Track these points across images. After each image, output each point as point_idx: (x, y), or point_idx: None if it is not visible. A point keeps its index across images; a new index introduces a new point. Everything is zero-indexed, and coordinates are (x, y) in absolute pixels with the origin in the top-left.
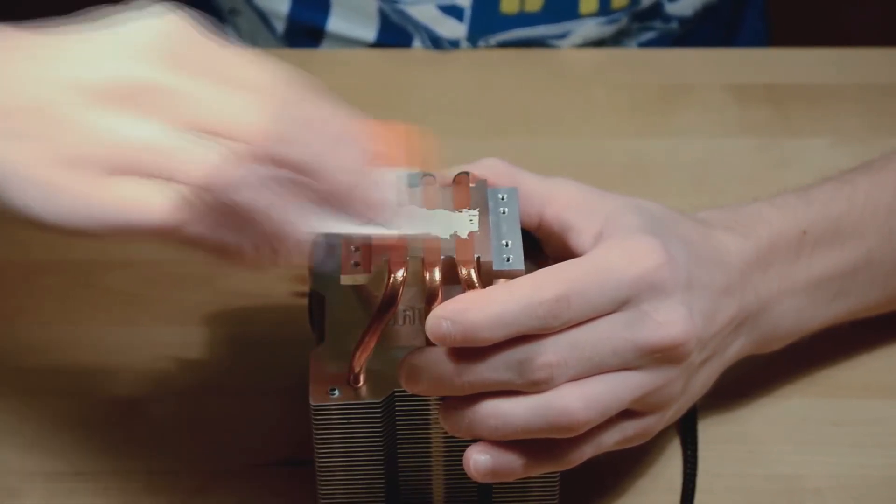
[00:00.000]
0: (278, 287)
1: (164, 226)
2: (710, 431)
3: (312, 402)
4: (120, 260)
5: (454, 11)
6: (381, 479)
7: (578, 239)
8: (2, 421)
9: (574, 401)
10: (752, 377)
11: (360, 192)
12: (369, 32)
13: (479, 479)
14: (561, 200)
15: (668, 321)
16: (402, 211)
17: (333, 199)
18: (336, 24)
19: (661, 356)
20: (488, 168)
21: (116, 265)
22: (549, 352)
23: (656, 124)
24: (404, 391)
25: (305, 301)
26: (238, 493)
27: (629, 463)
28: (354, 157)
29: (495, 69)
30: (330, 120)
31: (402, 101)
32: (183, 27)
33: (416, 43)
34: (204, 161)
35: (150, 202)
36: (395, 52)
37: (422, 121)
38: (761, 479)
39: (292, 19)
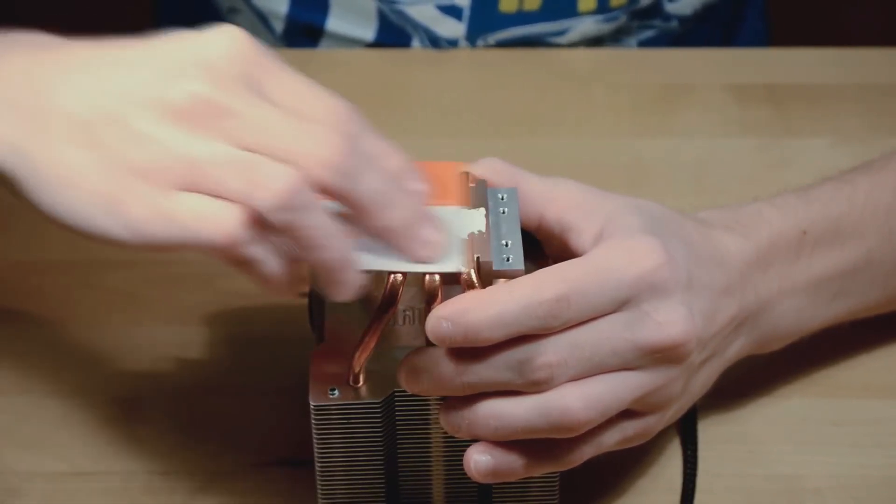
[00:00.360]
0: None
1: (228, 243)
2: (710, 431)
3: (312, 402)
4: (120, 260)
5: (453, 11)
6: (381, 479)
7: (579, 239)
8: (2, 421)
9: (574, 401)
10: (752, 377)
11: (415, 230)
12: (368, 32)
13: (480, 480)
14: (561, 201)
15: (668, 321)
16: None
17: (389, 236)
18: (335, 24)
19: (662, 356)
20: (488, 167)
21: (116, 265)
22: (549, 352)
23: (656, 124)
24: (404, 391)
25: (305, 301)
26: (238, 493)
27: (629, 463)
28: (412, 196)
29: (495, 69)
30: (389, 156)
31: (402, 100)
32: (252, 49)
33: (415, 43)
34: (275, 183)
35: (216, 219)
36: (394, 52)
37: (421, 121)
38: (761, 479)
39: (291, 19)
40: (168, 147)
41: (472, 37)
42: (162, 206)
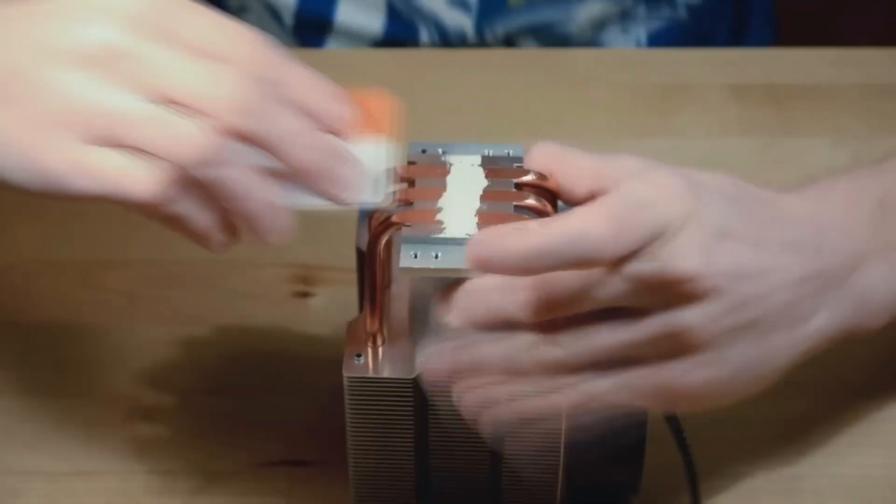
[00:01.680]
0: (278, 287)
1: (147, 202)
2: (710, 431)
3: (344, 372)
4: (119, 260)
5: (461, 4)
6: (410, 458)
7: None
8: (2, 421)
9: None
10: None
11: (328, 170)
12: (376, 23)
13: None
14: (620, 171)
15: (679, 256)
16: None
17: (303, 176)
18: (344, 14)
19: (674, 293)
20: (542, 150)
21: (116, 265)
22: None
23: (656, 124)
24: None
25: (305, 301)
26: (238, 493)
27: None
28: (326, 134)
29: (496, 69)
30: (307, 88)
31: (406, 100)
32: None
33: (423, 34)
34: (192, 139)
35: (133, 177)
36: (399, 53)
37: (424, 121)
38: (761, 479)
39: (300, 11)
40: (80, 96)
41: (480, 28)
42: (81, 159)
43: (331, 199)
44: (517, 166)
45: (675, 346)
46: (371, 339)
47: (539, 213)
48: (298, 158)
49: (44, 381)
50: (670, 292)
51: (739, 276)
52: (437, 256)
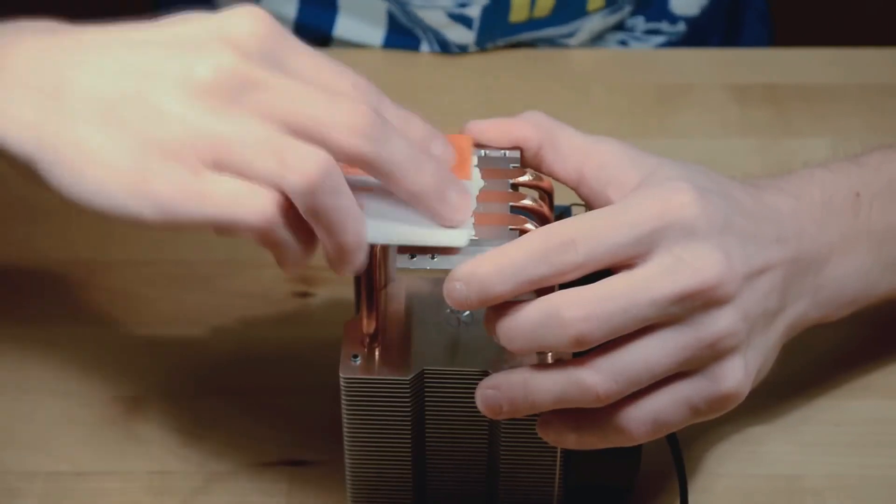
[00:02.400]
0: (278, 287)
1: (264, 226)
2: (710, 431)
3: (341, 373)
4: (120, 260)
5: (463, 20)
6: (407, 460)
7: (617, 194)
8: (2, 421)
9: (593, 373)
10: None
11: (444, 193)
12: (377, 36)
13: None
14: (602, 155)
15: (702, 264)
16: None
17: (419, 200)
18: (344, 26)
19: (701, 302)
20: (530, 120)
21: (116, 265)
22: (576, 306)
23: (656, 124)
24: (433, 370)
25: (305, 301)
26: (238, 493)
27: None
28: (438, 160)
29: (496, 70)
30: (412, 124)
31: (408, 102)
32: (273, 26)
33: (424, 47)
34: (306, 165)
35: (249, 202)
36: (401, 55)
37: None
38: (761, 479)
39: (300, 23)
40: (194, 124)
41: (482, 42)
42: (192, 185)
43: (448, 223)
44: (513, 167)
45: (715, 353)
46: (368, 339)
47: (535, 214)
48: (418, 181)
49: (44, 381)
50: (699, 301)
51: (752, 274)
52: (433, 258)
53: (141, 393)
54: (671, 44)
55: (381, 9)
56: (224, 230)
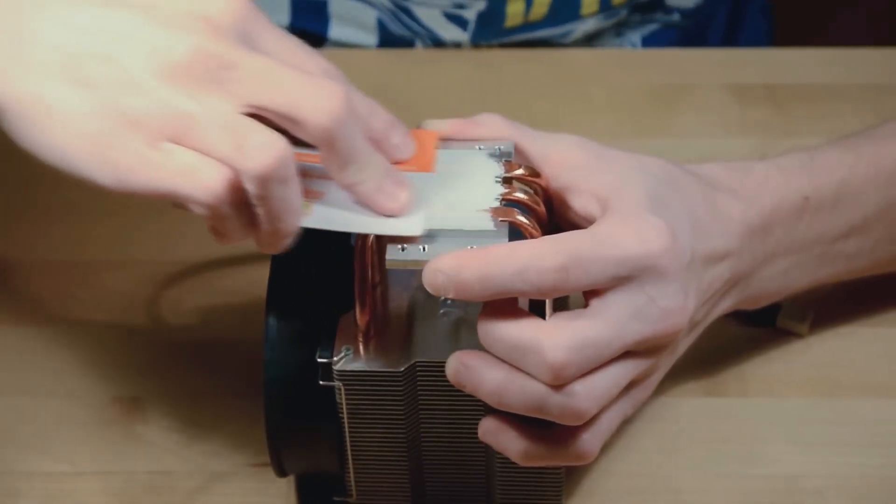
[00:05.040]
0: None
1: (210, 202)
2: (710, 431)
3: (335, 366)
4: (120, 260)
5: (458, 20)
6: (403, 453)
7: (579, 200)
8: (2, 421)
9: (581, 401)
10: (752, 377)
11: (385, 186)
12: (370, 43)
13: (482, 438)
14: (560, 159)
15: (670, 308)
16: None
17: (358, 190)
18: (336, 33)
19: (660, 342)
20: (487, 123)
21: (116, 265)
22: (557, 348)
23: (656, 124)
24: (426, 362)
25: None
26: (238, 493)
27: (629, 463)
28: (388, 156)
29: (496, 69)
30: (376, 115)
31: (403, 101)
32: (247, 5)
33: (419, 46)
34: (263, 152)
35: (200, 178)
36: (396, 53)
37: (422, 121)
38: (761, 479)
39: (293, 29)
40: (162, 97)
41: (476, 42)
42: (149, 156)
43: (383, 212)
44: (506, 161)
45: (655, 371)
46: (362, 333)
47: (528, 208)
48: (365, 174)
49: (44, 381)
50: (664, 341)
51: (702, 301)
52: (424, 249)
53: (141, 393)
54: (667, 32)
55: (371, 16)
56: (172, 200)
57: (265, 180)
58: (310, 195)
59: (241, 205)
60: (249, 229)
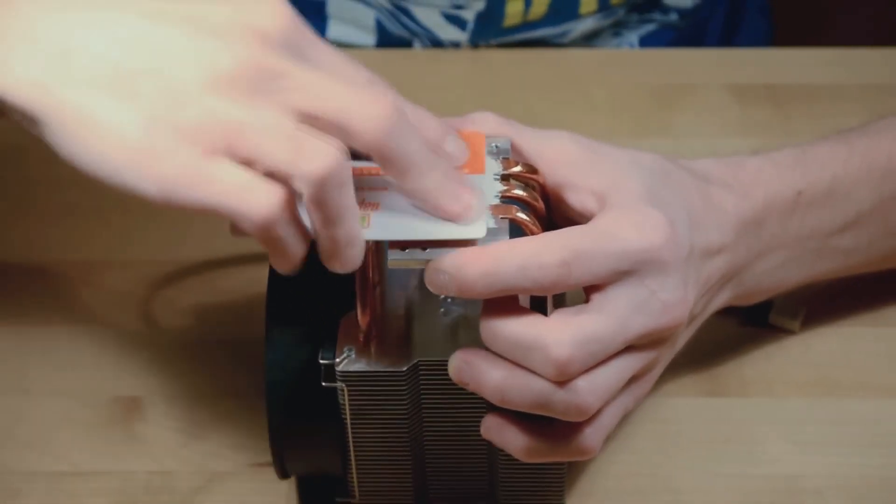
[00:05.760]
0: None
1: (264, 222)
2: (710, 431)
3: (336, 367)
4: (120, 260)
5: (457, 21)
6: (407, 453)
7: (576, 196)
8: (2, 421)
9: (585, 395)
10: (752, 377)
11: (452, 190)
12: (368, 43)
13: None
14: (555, 156)
15: (671, 301)
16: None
17: (427, 196)
18: (335, 33)
19: (661, 335)
20: (480, 122)
21: (116, 265)
22: (562, 345)
23: (656, 125)
24: (429, 361)
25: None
26: (238, 493)
27: (629, 463)
28: (450, 160)
29: (496, 69)
30: (427, 122)
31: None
32: (295, 19)
33: (417, 46)
34: (319, 157)
35: (257, 194)
36: (394, 53)
37: None
38: (761, 479)
39: None
40: (211, 108)
41: (475, 42)
42: (200, 169)
43: (452, 218)
44: (504, 158)
45: (656, 365)
46: (363, 333)
47: (527, 204)
48: (429, 179)
49: (44, 381)
50: (667, 333)
51: (700, 294)
52: (424, 249)
53: (141, 393)
54: (665, 33)
55: (369, 16)
56: (223, 217)
57: (323, 184)
58: (366, 207)
59: (296, 225)
60: (306, 250)
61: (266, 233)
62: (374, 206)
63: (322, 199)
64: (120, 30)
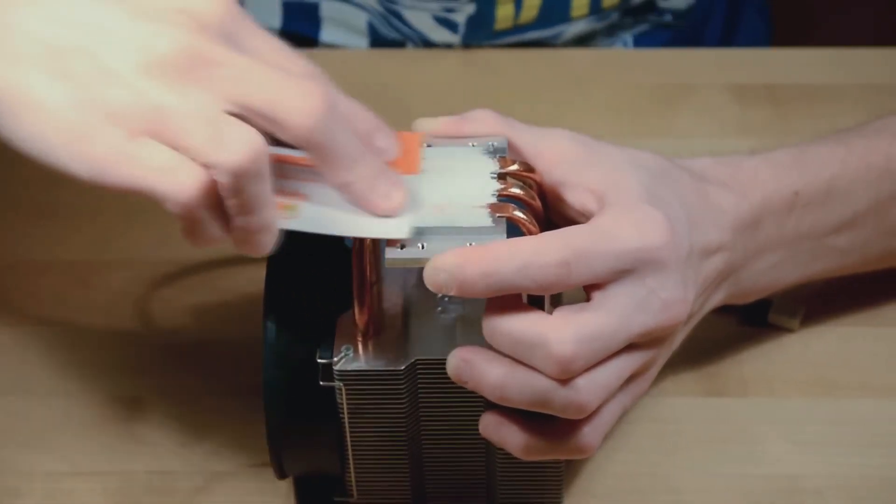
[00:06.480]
0: None
1: (184, 204)
2: (710, 431)
3: (334, 366)
4: (120, 260)
5: (448, 24)
6: (404, 451)
7: (574, 195)
8: (2, 421)
9: (585, 394)
10: (752, 377)
11: (378, 185)
12: (361, 46)
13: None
14: (553, 154)
15: (671, 300)
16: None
17: (352, 190)
18: (328, 36)
19: (661, 334)
20: (478, 120)
21: (116, 265)
22: (564, 342)
23: (656, 125)
24: (426, 360)
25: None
26: (238, 493)
27: (629, 463)
28: (379, 154)
29: (495, 69)
30: (359, 116)
31: (399, 101)
32: (233, 4)
33: (409, 48)
34: (238, 146)
35: (177, 177)
36: (391, 52)
37: (414, 120)
38: (761, 479)
39: (284, 33)
40: (142, 91)
41: (467, 44)
42: (126, 150)
43: (376, 213)
44: (500, 157)
45: (655, 363)
46: (361, 332)
47: (525, 203)
48: (356, 172)
49: (44, 381)
50: (668, 331)
51: (699, 293)
52: (422, 247)
53: (141, 393)
54: (660, 34)
55: (361, 20)
56: (147, 198)
57: (239, 175)
58: (295, 197)
59: (216, 208)
60: (223, 233)
61: (188, 214)
62: (305, 196)
63: (237, 188)
64: (57, 10)
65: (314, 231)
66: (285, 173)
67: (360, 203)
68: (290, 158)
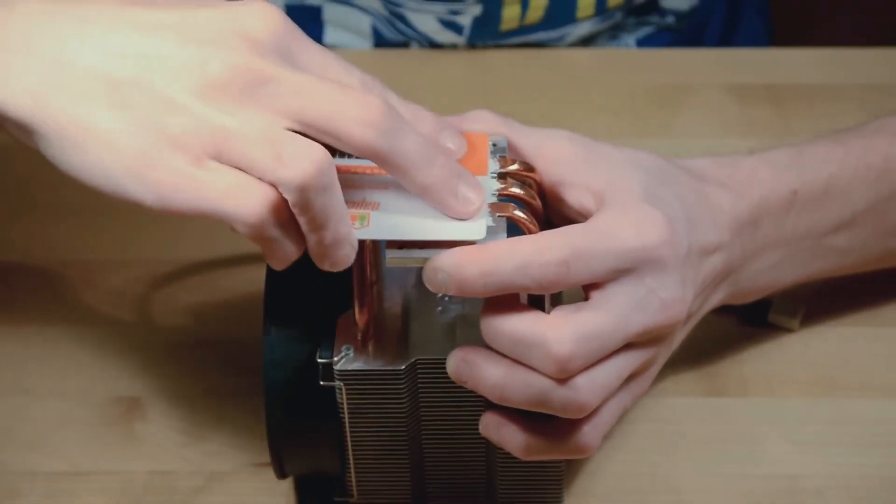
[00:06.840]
0: None
1: (254, 223)
2: (710, 431)
3: (335, 366)
4: (120, 260)
5: (453, 26)
6: (405, 451)
7: (573, 194)
8: (2, 421)
9: (584, 394)
10: (752, 377)
11: (454, 187)
12: (365, 44)
13: (484, 436)
14: (552, 154)
15: (670, 299)
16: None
17: (428, 193)
18: (331, 38)
19: (660, 333)
20: (478, 120)
21: (116, 265)
22: (563, 341)
23: (656, 124)
24: (427, 359)
25: None
26: (238, 493)
27: (628, 463)
28: (449, 154)
29: (494, 69)
30: (422, 118)
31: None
32: (285, 22)
33: (414, 48)
34: (301, 161)
35: (244, 198)
36: (394, 53)
37: None
38: (761, 479)
39: None
40: (201, 116)
41: (472, 45)
42: (191, 175)
43: (453, 214)
44: (501, 156)
45: (654, 362)
46: (361, 332)
47: (525, 203)
48: (428, 174)
49: (44, 381)
50: (666, 331)
51: (697, 292)
52: (422, 248)
53: (141, 393)
54: (662, 35)
55: (365, 23)
56: (216, 221)
57: (305, 189)
58: (366, 206)
59: (288, 226)
60: (299, 251)
61: (258, 233)
62: (375, 205)
63: (305, 204)
64: (111, 42)
65: (388, 238)
66: (353, 183)
67: (440, 206)
68: (357, 168)
